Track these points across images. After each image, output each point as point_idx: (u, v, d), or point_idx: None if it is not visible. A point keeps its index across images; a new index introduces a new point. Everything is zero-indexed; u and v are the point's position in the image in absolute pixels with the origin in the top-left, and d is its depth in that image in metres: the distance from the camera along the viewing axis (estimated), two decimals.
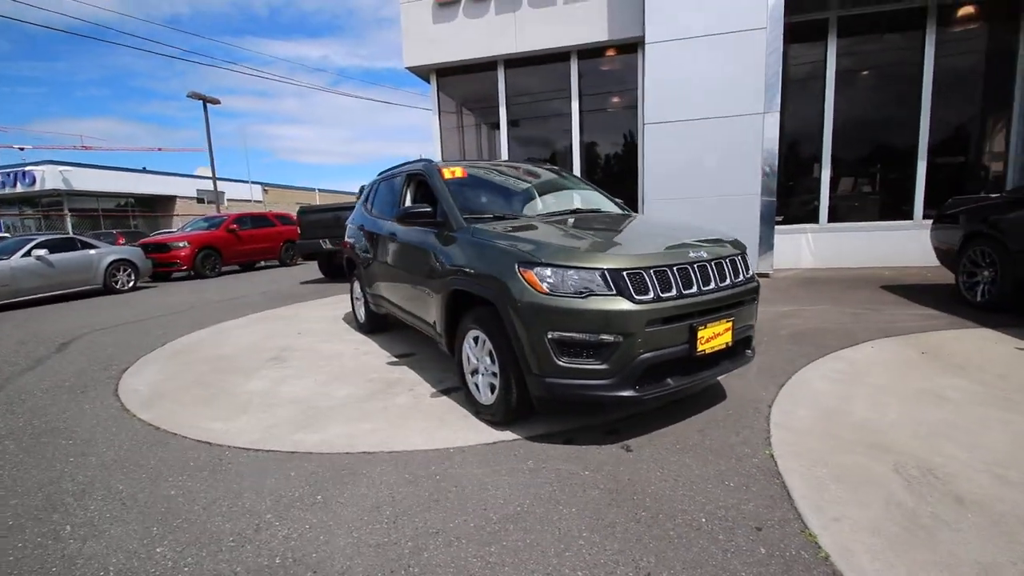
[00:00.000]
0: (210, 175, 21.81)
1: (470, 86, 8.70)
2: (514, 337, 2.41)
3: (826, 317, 4.65)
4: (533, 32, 7.68)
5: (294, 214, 13.43)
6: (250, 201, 35.79)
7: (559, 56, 8.00)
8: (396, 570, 1.68)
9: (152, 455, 2.61)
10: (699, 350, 2.39)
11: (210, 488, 2.26)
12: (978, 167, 7.10)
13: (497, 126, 8.51)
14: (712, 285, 2.47)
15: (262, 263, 13.76)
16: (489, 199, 3.55)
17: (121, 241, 17.48)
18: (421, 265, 3.34)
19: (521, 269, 2.39)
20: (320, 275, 9.94)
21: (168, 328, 5.77)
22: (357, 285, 4.94)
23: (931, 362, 3.37)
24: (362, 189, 5.28)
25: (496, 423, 2.72)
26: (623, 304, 2.25)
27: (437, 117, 8.64)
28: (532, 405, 2.60)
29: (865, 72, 7.18)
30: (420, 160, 4.03)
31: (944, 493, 1.93)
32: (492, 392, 2.71)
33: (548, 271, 2.33)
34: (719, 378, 3.08)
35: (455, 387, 3.34)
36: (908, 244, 6.82)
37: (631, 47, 7.67)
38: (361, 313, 4.92)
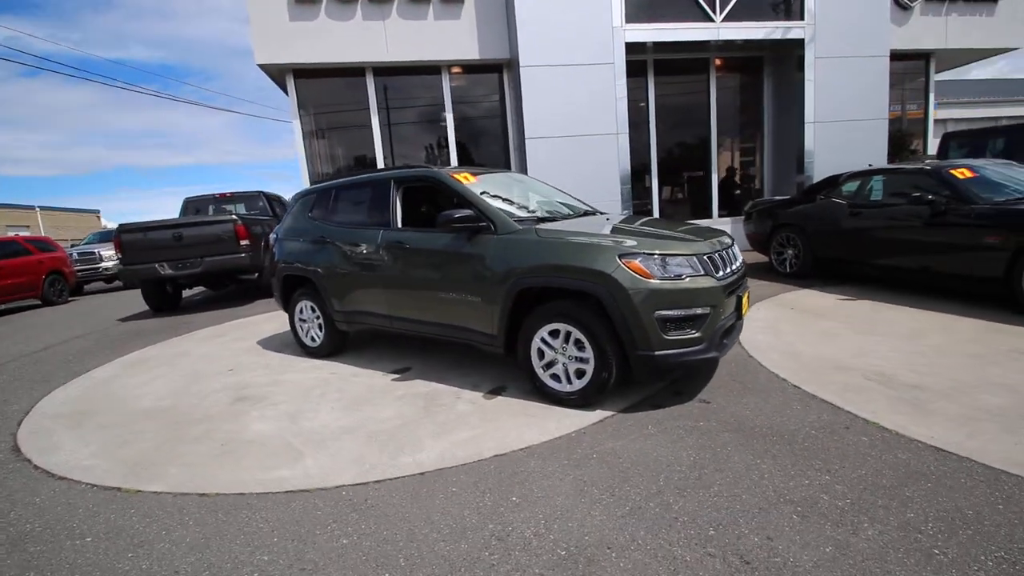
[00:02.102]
0: None
1: (335, 90, 8.19)
2: (620, 320, 2.75)
3: None
4: (404, 43, 7.69)
5: (53, 238, 10.27)
6: None
7: (430, 69, 8.17)
8: (671, 525, 1.92)
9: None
10: (742, 315, 3.10)
11: (455, 515, 2.05)
12: (746, 177, 9.75)
13: (366, 132, 8.22)
14: (737, 265, 3.21)
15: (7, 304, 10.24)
16: (501, 200, 3.68)
17: None
18: (457, 271, 3.35)
19: (624, 260, 2.75)
20: (145, 307, 8.04)
21: None
22: (306, 305, 4.43)
23: (802, 314, 4.76)
24: (275, 200, 4.72)
25: (583, 406, 2.99)
26: (710, 281, 2.81)
27: (299, 121, 7.89)
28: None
29: (673, 104, 9.18)
30: (413, 167, 3.93)
31: (901, 383, 2.98)
32: (579, 378, 2.97)
33: (653, 260, 2.75)
34: None
35: (500, 387, 3.45)
36: None
37: (498, 67, 8.30)
38: (315, 335, 4.43)
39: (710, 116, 9.08)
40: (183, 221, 7.35)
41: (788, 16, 8.12)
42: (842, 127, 8.47)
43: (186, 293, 9.02)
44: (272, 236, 4.86)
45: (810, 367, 3.39)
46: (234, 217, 7.31)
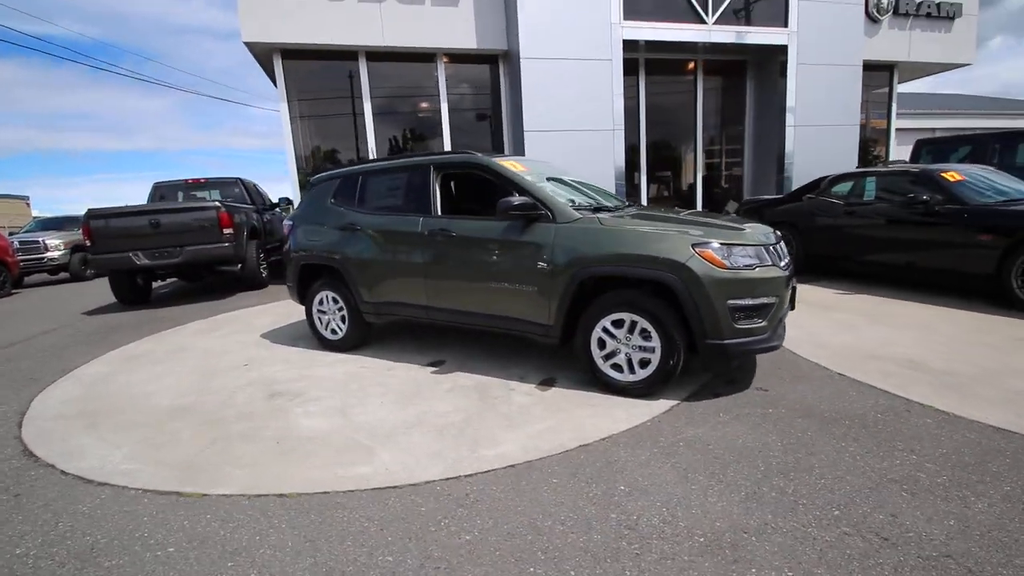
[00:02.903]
0: None
1: (325, 74, 7.83)
2: (692, 309, 2.77)
3: None
4: (400, 27, 7.46)
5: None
6: None
7: (425, 56, 7.96)
8: (794, 509, 1.96)
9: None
10: (794, 306, 3.20)
11: (569, 492, 1.98)
12: (728, 176, 10.09)
13: (356, 119, 7.92)
14: (789, 257, 3.30)
15: None
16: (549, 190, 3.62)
17: None
18: (511, 260, 3.27)
19: (698, 249, 2.77)
20: (109, 300, 7.42)
21: None
22: (327, 296, 4.21)
23: (812, 308, 4.97)
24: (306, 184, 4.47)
25: (646, 395, 3.00)
26: (776, 272, 2.88)
27: (286, 104, 7.50)
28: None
29: (662, 102, 9.37)
30: (456, 152, 3.81)
31: (932, 369, 3.16)
32: (643, 368, 2.97)
33: (726, 250, 2.78)
34: None
35: (550, 378, 3.42)
36: None
37: (494, 58, 8.20)
38: (336, 327, 4.22)
39: (696, 116, 9.34)
40: (161, 207, 6.83)
41: (773, 23, 8.45)
42: (818, 131, 8.92)
43: (154, 285, 8.39)
44: (285, 223, 4.59)
45: (843, 356, 3.54)
46: (217, 204, 6.86)
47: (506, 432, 2.70)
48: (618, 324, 3.00)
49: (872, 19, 9.27)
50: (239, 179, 8.67)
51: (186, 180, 8.50)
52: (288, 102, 7.51)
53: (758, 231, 3.08)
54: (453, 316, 3.65)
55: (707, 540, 1.79)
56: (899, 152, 11.20)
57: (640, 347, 2.97)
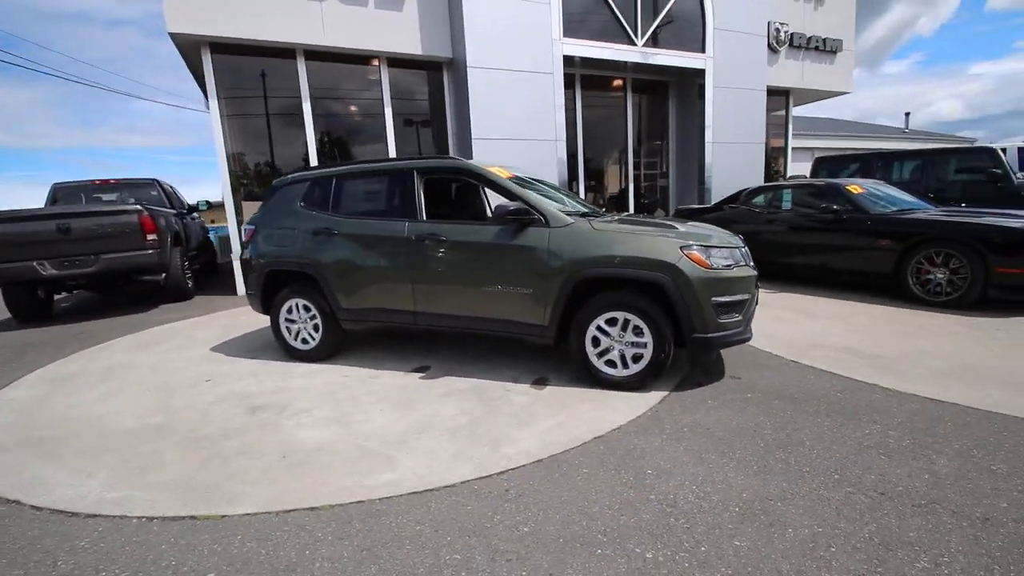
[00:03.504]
0: None
1: (259, 73, 7.38)
2: (683, 306, 3.02)
3: None
4: (341, 28, 7.24)
5: None
6: None
7: (368, 59, 7.79)
8: (802, 476, 2.23)
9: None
10: (757, 302, 3.58)
11: (594, 490, 2.06)
12: (656, 186, 10.82)
13: (293, 122, 7.55)
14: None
15: None
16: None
17: None
18: (505, 264, 3.35)
19: (686, 251, 3.04)
20: (6, 315, 6.43)
21: None
22: (297, 303, 4.01)
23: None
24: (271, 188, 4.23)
25: (638, 388, 3.21)
26: (749, 271, 3.23)
27: (216, 104, 6.97)
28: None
29: (596, 117, 9.87)
30: (440, 157, 3.81)
31: (865, 353, 3.69)
32: (635, 363, 3.18)
33: (710, 251, 3.07)
34: None
35: (542, 377, 3.53)
36: None
37: (438, 65, 8.20)
38: (308, 336, 4.03)
39: (627, 130, 9.95)
40: (71, 210, 6.06)
41: (693, 48, 9.25)
42: (731, 147, 9.86)
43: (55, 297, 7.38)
44: (244, 227, 4.31)
45: (790, 345, 4.00)
46: (138, 207, 6.23)
47: (518, 430, 2.77)
48: (611, 323, 3.19)
49: (772, 50, 10.45)
50: (155, 180, 7.92)
51: (93, 181, 7.61)
52: (219, 100, 6.99)
53: (726, 235, 3.42)
54: (442, 321, 3.65)
55: (741, 510, 1.99)
56: (794, 168, 12.68)
57: (633, 343, 3.17)
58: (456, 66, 7.99)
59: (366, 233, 3.74)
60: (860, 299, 5.41)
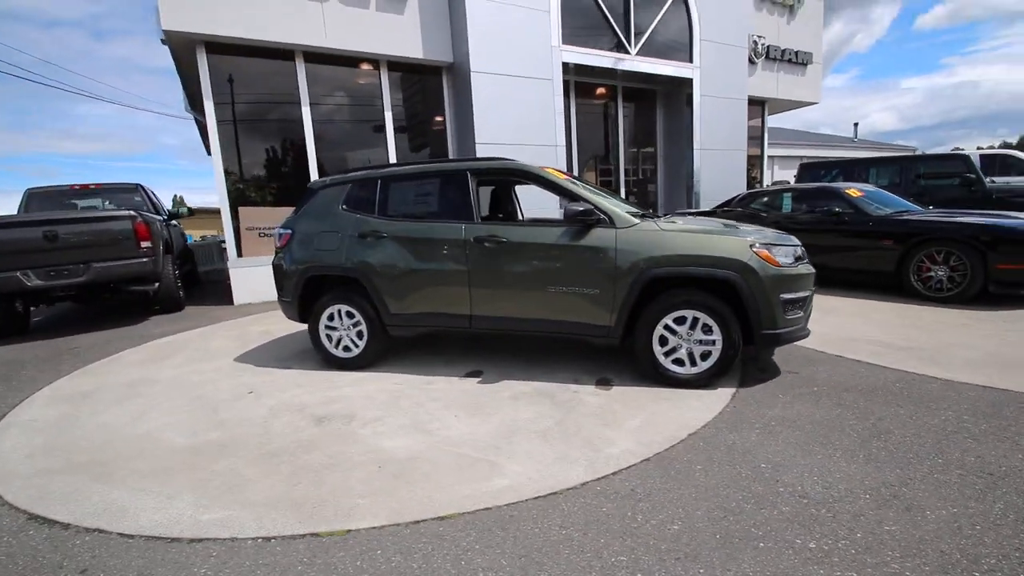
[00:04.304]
0: None
1: (257, 75, 7.09)
2: (752, 303, 3.09)
3: None
4: (343, 29, 7.07)
5: None
6: None
7: (368, 62, 7.63)
8: (911, 462, 2.31)
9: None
10: None
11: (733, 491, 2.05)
12: (646, 191, 11.05)
13: (291, 126, 7.30)
14: None
15: None
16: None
17: None
18: (571, 265, 3.34)
19: (756, 249, 3.11)
20: None
21: None
22: (339, 310, 3.86)
23: None
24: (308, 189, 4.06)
25: (705, 385, 3.25)
26: (809, 268, 3.33)
27: (212, 106, 6.64)
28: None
29: (589, 123, 10.01)
30: (494, 159, 3.76)
31: (899, 347, 3.88)
32: (703, 360, 3.23)
33: (779, 248, 3.16)
34: None
35: (604, 378, 3.53)
36: None
37: (438, 70, 8.13)
38: (351, 343, 3.88)
39: (618, 136, 10.14)
40: (60, 216, 5.61)
41: (682, 58, 9.55)
42: (716, 154, 10.22)
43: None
44: (277, 231, 4.12)
45: (828, 341, 4.15)
46: (132, 213, 5.85)
47: (608, 431, 2.75)
48: (680, 321, 3.22)
49: (751, 61, 10.93)
50: (139, 185, 7.46)
51: (71, 186, 7.09)
52: (214, 102, 6.67)
53: (783, 235, 3.52)
54: (501, 324, 3.59)
55: (872, 497, 2.04)
56: (768, 175, 13.24)
57: (701, 341, 3.21)
58: (457, 70, 7.95)
59: (418, 236, 3.65)
60: (864, 296, 5.68)
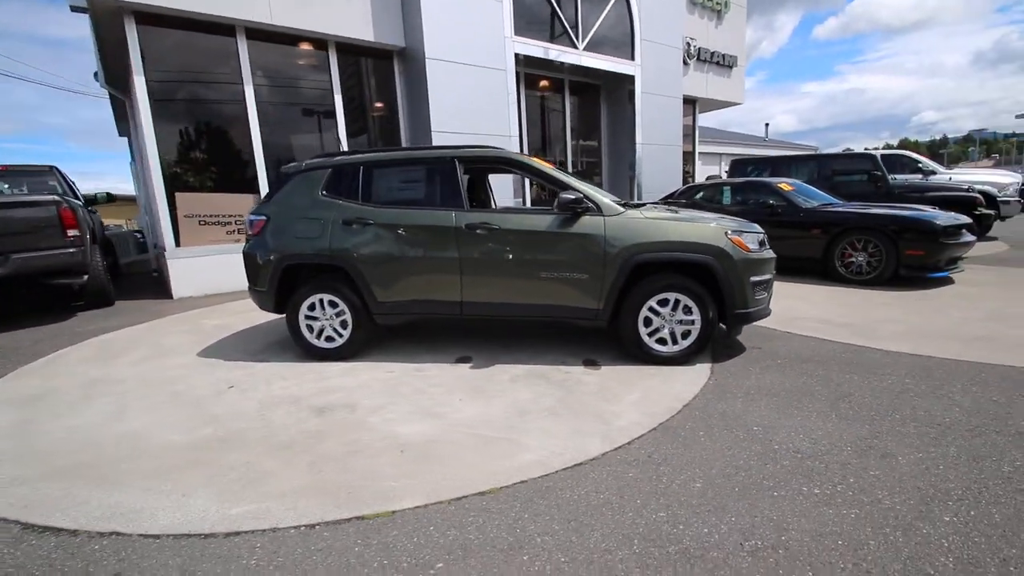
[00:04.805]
0: None
1: (191, 49, 6.54)
2: (728, 286, 3.39)
3: None
4: (289, 4, 6.72)
5: None
6: None
7: (316, 42, 7.29)
8: (884, 416, 2.67)
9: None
10: None
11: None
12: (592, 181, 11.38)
13: (236, 108, 6.85)
14: None
15: None
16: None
17: None
18: (562, 251, 3.47)
19: (731, 236, 3.41)
20: None
21: None
22: (321, 299, 3.75)
23: None
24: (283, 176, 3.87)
25: (684, 362, 3.53)
26: (772, 254, 3.69)
27: (143, 82, 6.07)
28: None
29: (536, 115, 10.17)
30: (481, 147, 3.78)
31: (839, 323, 4.40)
32: (684, 339, 3.50)
33: (748, 235, 3.48)
34: None
35: (590, 359, 3.72)
36: None
37: (388, 54, 7.93)
38: (334, 333, 3.79)
39: (565, 129, 10.41)
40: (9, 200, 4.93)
41: (625, 56, 9.95)
42: (656, 149, 10.78)
43: None
44: (249, 218, 3.91)
45: (779, 320, 4.58)
46: (56, 198, 5.27)
47: (611, 406, 2.93)
48: (663, 303, 3.47)
49: (684, 62, 11.59)
50: (54, 167, 6.69)
51: None
52: (146, 78, 6.10)
53: (748, 223, 3.87)
54: (491, 309, 3.66)
55: (853, 448, 2.36)
56: (701, 170, 14.12)
57: (681, 321, 3.48)
58: (410, 56, 7.80)
59: (408, 223, 3.62)
60: (796, 280, 6.31)
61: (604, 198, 3.57)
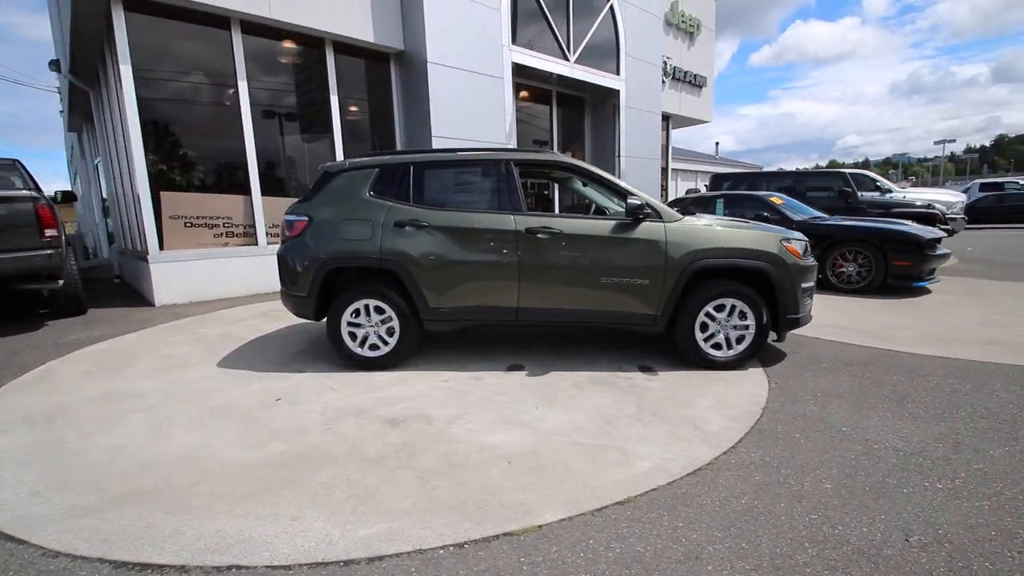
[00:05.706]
0: None
1: (183, 40, 6.10)
2: (782, 291, 3.50)
3: None
4: (288, 1, 6.44)
5: None
6: None
7: (314, 39, 7.00)
8: (947, 415, 2.81)
9: None
10: None
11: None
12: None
13: (228, 104, 6.44)
14: None
15: None
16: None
17: None
18: (623, 257, 3.46)
19: (785, 244, 3.52)
20: None
21: None
22: (367, 305, 3.54)
23: None
24: (325, 176, 3.65)
25: (737, 366, 3.60)
26: (814, 260, 3.84)
27: (130, 73, 5.59)
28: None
29: (527, 123, 10.21)
30: (537, 150, 3.71)
31: (858, 329, 4.64)
32: (738, 343, 3.57)
33: (797, 243, 3.60)
34: None
35: (646, 365, 3.72)
36: None
37: (386, 56, 7.73)
38: (379, 341, 3.59)
39: (553, 138, 10.51)
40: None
41: (611, 70, 10.20)
42: (637, 161, 11.08)
43: None
44: (289, 218, 3.65)
45: (833, 330, 4.77)
46: (33, 194, 4.75)
47: (691, 411, 2.92)
48: (719, 308, 3.53)
49: (661, 80, 12.03)
50: (16, 161, 6.02)
51: None
52: (133, 69, 5.63)
53: (791, 232, 4.01)
54: (549, 316, 3.59)
55: (943, 445, 2.46)
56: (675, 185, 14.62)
57: (736, 326, 3.55)
58: (409, 60, 7.65)
59: (464, 226, 3.50)
60: None
61: (661, 205, 3.60)
